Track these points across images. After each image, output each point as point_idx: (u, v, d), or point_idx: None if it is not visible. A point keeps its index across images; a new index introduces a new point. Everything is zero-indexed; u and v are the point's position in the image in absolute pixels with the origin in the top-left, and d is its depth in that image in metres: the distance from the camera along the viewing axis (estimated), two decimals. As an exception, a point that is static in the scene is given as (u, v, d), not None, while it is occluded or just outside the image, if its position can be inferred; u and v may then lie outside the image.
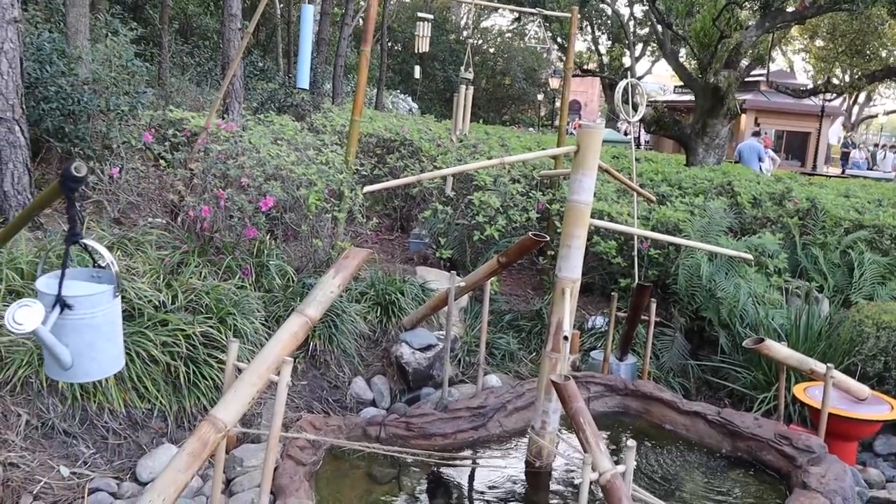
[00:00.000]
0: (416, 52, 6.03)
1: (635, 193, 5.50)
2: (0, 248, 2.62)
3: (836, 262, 6.77)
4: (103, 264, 2.27)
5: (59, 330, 2.12)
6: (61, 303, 2.09)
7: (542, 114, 32.72)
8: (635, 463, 2.99)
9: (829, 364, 4.30)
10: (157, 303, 4.05)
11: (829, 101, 26.12)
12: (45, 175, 6.51)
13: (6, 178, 5.17)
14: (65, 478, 3.36)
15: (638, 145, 25.83)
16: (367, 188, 3.48)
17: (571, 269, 3.69)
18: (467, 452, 4.07)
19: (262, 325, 4.40)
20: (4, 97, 5.08)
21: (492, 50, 31.52)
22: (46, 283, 2.18)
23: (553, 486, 3.86)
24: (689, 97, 15.98)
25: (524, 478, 3.88)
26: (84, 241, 2.19)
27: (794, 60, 36.68)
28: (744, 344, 4.46)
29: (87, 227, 4.85)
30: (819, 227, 7.08)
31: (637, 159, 9.65)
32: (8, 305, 3.65)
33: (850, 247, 6.79)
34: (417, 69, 6.54)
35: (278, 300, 4.74)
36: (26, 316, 1.97)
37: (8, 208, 5.19)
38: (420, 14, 5.97)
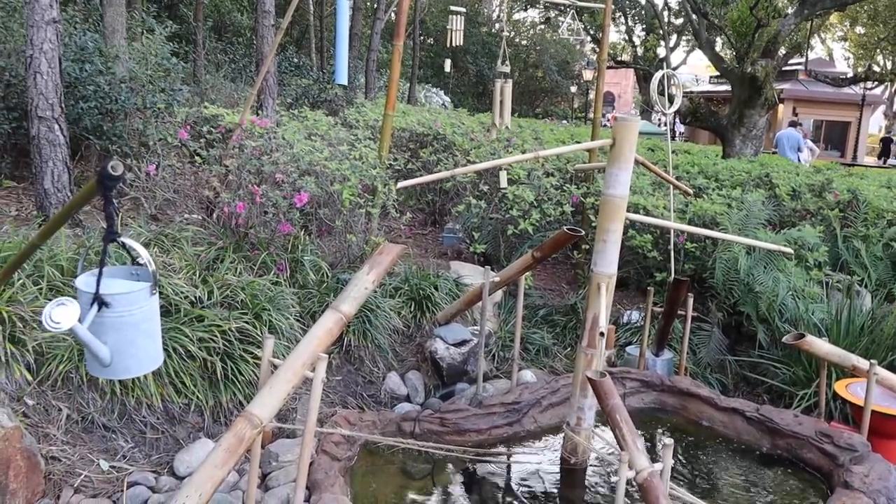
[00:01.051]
0: (448, 45, 6.00)
1: (671, 186, 5.43)
2: (40, 245, 2.65)
3: (878, 255, 6.62)
4: (141, 262, 2.29)
5: (97, 328, 2.14)
6: (99, 301, 2.12)
7: (576, 106, 32.51)
8: (672, 461, 2.95)
9: (872, 360, 4.20)
10: (193, 299, 4.09)
11: (870, 89, 25.58)
12: (84, 172, 6.61)
13: (46, 176, 5.26)
14: (104, 471, 3.41)
15: (673, 137, 25.55)
16: (401, 184, 3.47)
17: (607, 264, 3.65)
18: (502, 448, 4.06)
19: (297, 320, 4.42)
20: (45, 96, 5.17)
21: (524, 42, 31.37)
22: (86, 280, 2.20)
23: (588, 484, 3.83)
24: (726, 87, 15.75)
25: (559, 474, 3.85)
26: (122, 239, 2.21)
27: (833, 48, 35.97)
28: (783, 339, 4.38)
29: (125, 223, 4.92)
30: (861, 220, 6.93)
31: (673, 151, 9.53)
32: (50, 301, 3.73)
33: (893, 239, 6.64)
34: (448, 63, 6.52)
35: (313, 296, 4.76)
36: (63, 314, 1.99)
37: (48, 206, 5.28)
38: (452, 7, 5.93)
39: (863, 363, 4.25)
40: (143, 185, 5.62)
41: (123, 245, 2.24)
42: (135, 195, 5.69)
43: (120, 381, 3.62)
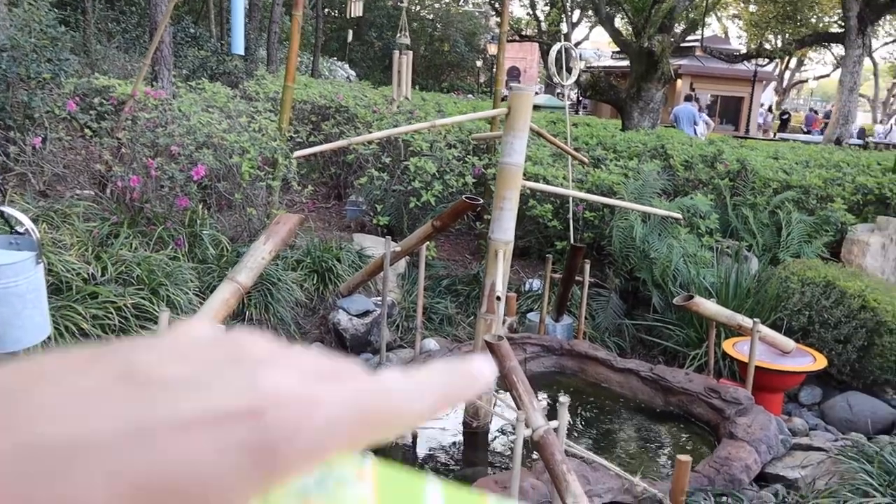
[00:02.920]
0: (349, 16, 5.94)
1: (570, 157, 5.56)
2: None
3: (764, 221, 6.97)
4: (21, 231, 2.21)
5: (-24, 300, 2.06)
6: (-23, 273, 2.03)
7: (482, 80, 32.65)
8: (569, 419, 3.06)
9: (755, 319, 4.44)
10: (85, 275, 3.96)
11: (762, 66, 26.66)
12: (-36, 147, 6.25)
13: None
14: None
15: (576, 110, 26.02)
16: (298, 153, 3.44)
17: (504, 230, 3.73)
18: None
19: (196, 295, 4.34)
20: (-85, 65, 4.86)
21: (430, 16, 31.23)
22: (-38, 253, 2.11)
23: (490, 446, 3.93)
24: (626, 62, 16.16)
25: (462, 438, 3.94)
26: (1, 208, 2.12)
27: (728, 26, 37.26)
28: (674, 301, 4.58)
29: (10, 200, 4.69)
30: (749, 188, 7.27)
31: (574, 124, 9.73)
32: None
33: (778, 207, 6.99)
34: (350, 33, 6.42)
35: (212, 270, 4.68)
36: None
37: (-76, 181, 4.99)
38: (352, -24, 5.87)
39: (747, 322, 4.49)
40: (29, 160, 5.36)
41: (2, 214, 2.16)
42: (21, 170, 5.43)
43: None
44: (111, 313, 3.81)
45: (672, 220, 5.89)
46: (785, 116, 31.27)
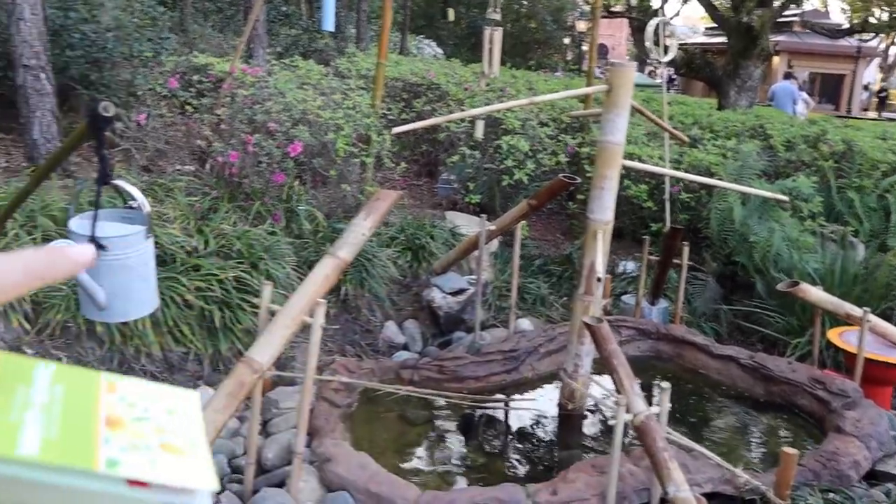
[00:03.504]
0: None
1: (667, 135, 5.39)
2: (33, 190, 2.62)
3: (872, 205, 6.63)
4: (134, 205, 2.26)
5: (93, 271, 2.12)
6: (95, 244, 2.09)
7: (569, 58, 32.14)
8: (669, 405, 2.97)
9: (865, 308, 4.22)
10: (189, 248, 4.06)
11: (866, 41, 25.36)
12: (73, 123, 6.50)
13: (35, 127, 5.18)
14: (104, 419, 3.41)
15: (668, 88, 25.33)
16: (396, 129, 3.43)
17: (603, 210, 3.63)
18: (500, 395, 4.09)
19: (294, 269, 4.41)
20: (29, 44, 5.06)
21: (517, -8, 30.85)
22: (79, 223, 2.18)
23: (586, 429, 3.87)
24: (721, 39, 15.59)
25: (557, 420, 3.89)
26: (115, 181, 2.17)
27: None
28: (778, 287, 4.40)
29: (116, 175, 4.86)
30: (855, 171, 6.92)
31: (668, 102, 9.46)
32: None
33: (887, 190, 6.64)
34: (451, 12, 6.41)
35: (309, 245, 4.74)
36: (64, 256, 1.96)
37: (38, 156, 5.21)
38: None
39: (856, 311, 4.27)
40: (133, 136, 5.54)
41: (117, 188, 2.21)
42: (125, 146, 5.61)
43: (118, 330, 3.61)
44: (213, 285, 3.91)
45: (774, 203, 5.66)
46: (882, 94, 29.75)
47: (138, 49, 6.55)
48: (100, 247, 2.09)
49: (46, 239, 3.81)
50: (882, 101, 28.86)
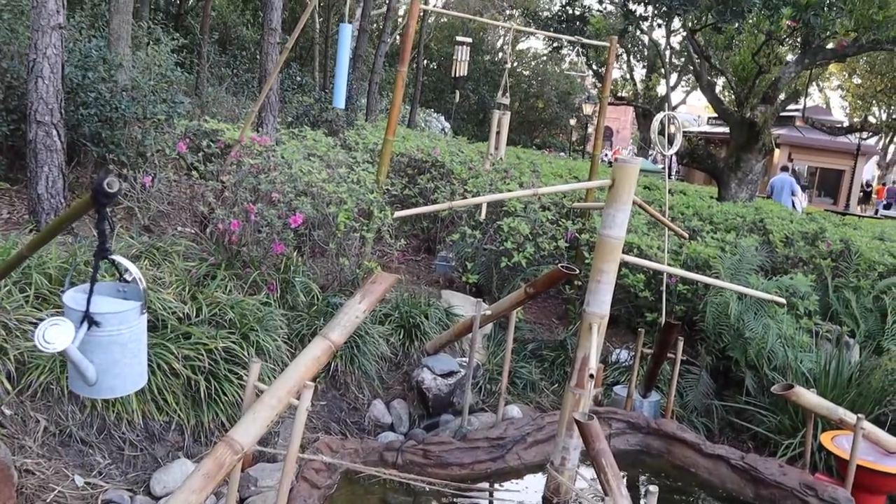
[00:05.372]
0: (453, 75, 6.01)
1: (667, 228, 5.43)
2: (29, 256, 2.62)
3: (868, 306, 6.63)
4: (130, 279, 2.26)
5: (84, 346, 2.10)
6: (89, 319, 2.08)
7: (574, 139, 32.68)
8: (656, 508, 2.91)
9: (859, 415, 4.18)
10: (181, 315, 4.05)
11: (865, 139, 25.82)
12: (80, 178, 6.58)
13: (41, 181, 5.23)
14: (79, 487, 3.34)
15: (669, 174, 25.65)
16: (398, 214, 3.45)
17: (600, 304, 3.63)
18: (484, 484, 4.01)
19: (285, 342, 4.38)
20: (45, 101, 5.15)
21: (526, 73, 31.57)
22: (74, 297, 2.17)
23: (570, 525, 3.78)
24: (724, 129, 15.88)
25: (541, 514, 3.81)
26: (113, 256, 2.18)
27: (830, 97, 36.38)
28: (772, 389, 4.36)
29: (117, 234, 4.88)
30: (852, 270, 6.94)
31: (669, 191, 9.56)
32: (37, 310, 3.68)
33: (883, 292, 6.65)
34: (457, 94, 6.55)
35: (302, 318, 4.72)
36: (56, 335, 1.96)
37: (41, 211, 5.24)
38: (458, 38, 5.95)
39: (850, 417, 4.23)
40: (137, 196, 5.59)
41: (114, 262, 2.21)
42: (129, 205, 5.65)
43: (101, 396, 3.56)
44: (202, 355, 3.87)
45: (771, 302, 5.66)
46: (868, 189, 30.25)
47: (152, 111, 6.66)
48: (93, 323, 2.09)
49: (39, 297, 3.80)
50: (867, 196, 29.34)
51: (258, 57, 9.82)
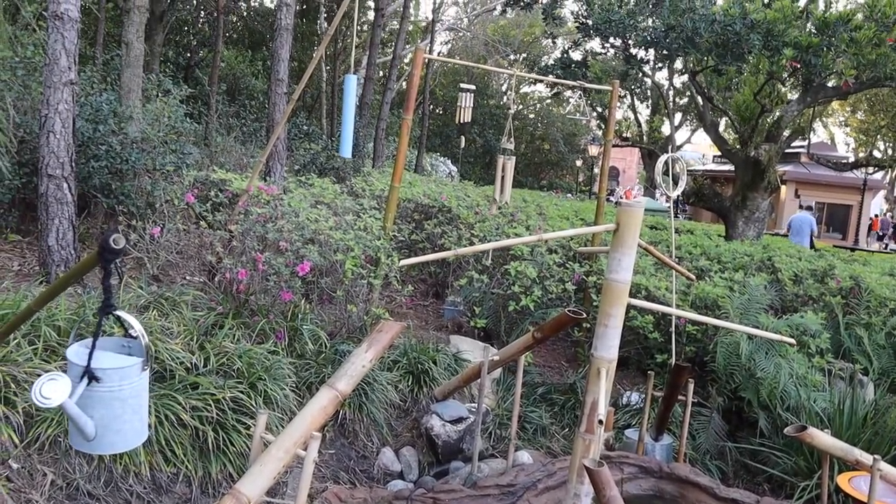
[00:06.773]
0: (458, 122, 6.08)
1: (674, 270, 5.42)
2: (37, 311, 2.64)
3: (881, 343, 6.58)
4: (134, 335, 2.27)
5: (84, 401, 2.10)
6: (90, 375, 2.09)
7: (580, 180, 32.82)
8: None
9: (875, 456, 4.12)
10: (189, 365, 4.05)
11: (871, 174, 25.84)
12: (90, 229, 6.64)
13: (51, 234, 5.28)
14: (86, 542, 3.32)
15: (676, 215, 25.70)
16: (404, 262, 3.47)
17: (608, 348, 3.61)
18: (495, 533, 3.95)
19: (293, 391, 4.37)
20: (56, 156, 5.23)
21: (531, 115, 31.89)
22: (77, 352, 2.18)
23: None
24: (729, 167, 15.93)
25: (553, 563, 3.75)
26: (117, 312, 2.19)
27: (834, 133, 36.52)
28: (786, 431, 4.30)
29: (127, 284, 4.91)
30: (863, 307, 6.90)
31: (676, 230, 9.56)
32: (46, 362, 3.69)
33: (895, 328, 6.60)
34: (463, 140, 6.63)
35: (310, 366, 4.72)
36: (53, 390, 1.96)
37: (51, 263, 5.29)
38: (462, 85, 6.03)
39: (866, 458, 4.16)
40: (147, 246, 5.63)
41: (118, 318, 2.23)
42: (138, 255, 5.70)
43: (109, 449, 3.55)
44: (209, 405, 3.86)
45: (781, 342, 5.62)
46: (869, 222, 30.31)
47: (161, 162, 6.75)
48: (94, 378, 2.09)
49: (48, 349, 3.81)
50: (868, 229, 29.35)
51: (266, 106, 9.97)
